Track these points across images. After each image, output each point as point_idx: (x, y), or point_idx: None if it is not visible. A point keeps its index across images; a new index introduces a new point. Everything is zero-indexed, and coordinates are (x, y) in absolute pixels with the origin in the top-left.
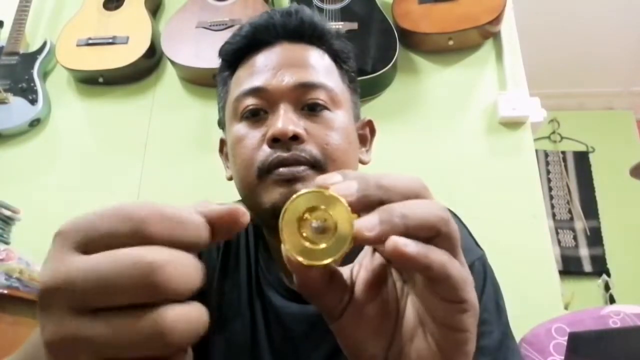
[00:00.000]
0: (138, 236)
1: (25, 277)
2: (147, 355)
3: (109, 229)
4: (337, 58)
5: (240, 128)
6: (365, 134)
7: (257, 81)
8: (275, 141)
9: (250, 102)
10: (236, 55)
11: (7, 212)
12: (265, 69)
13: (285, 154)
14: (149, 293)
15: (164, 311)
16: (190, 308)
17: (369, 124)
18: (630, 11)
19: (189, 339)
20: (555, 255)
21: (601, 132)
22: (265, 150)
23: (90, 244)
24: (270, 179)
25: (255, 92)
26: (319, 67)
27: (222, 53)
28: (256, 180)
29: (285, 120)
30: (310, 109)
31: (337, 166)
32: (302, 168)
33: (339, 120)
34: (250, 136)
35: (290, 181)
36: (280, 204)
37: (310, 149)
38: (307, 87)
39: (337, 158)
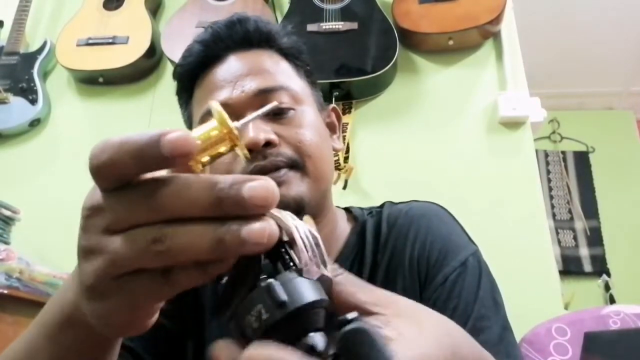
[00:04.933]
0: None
1: (25, 277)
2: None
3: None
4: (289, 55)
5: None
6: (333, 121)
7: (217, 97)
8: (249, 152)
9: None
10: (190, 75)
11: (7, 212)
12: (223, 83)
13: (262, 162)
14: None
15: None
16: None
17: (334, 111)
18: (630, 11)
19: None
20: (555, 255)
21: (601, 132)
22: (241, 162)
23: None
24: None
25: None
26: (274, 69)
27: (176, 76)
28: None
29: (255, 129)
30: (276, 114)
31: (314, 161)
32: (282, 172)
33: (307, 117)
34: None
35: None
36: None
37: (285, 151)
38: (267, 92)
39: (313, 153)
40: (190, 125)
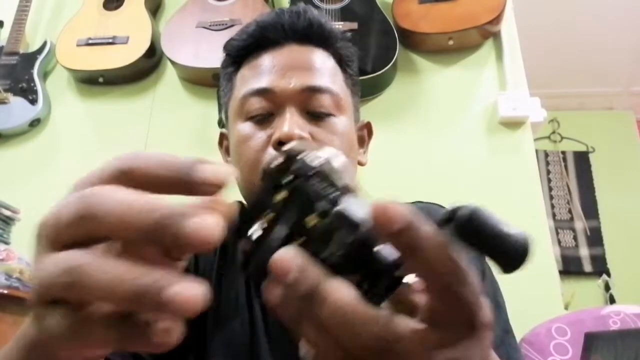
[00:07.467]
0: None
1: (25, 277)
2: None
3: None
4: (342, 61)
5: (246, 127)
6: (363, 135)
7: (264, 82)
8: (281, 144)
9: (257, 103)
10: (242, 52)
11: (7, 212)
12: (273, 69)
13: None
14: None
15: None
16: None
17: (367, 126)
18: (630, 12)
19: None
20: (555, 255)
21: (601, 132)
22: (271, 152)
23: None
24: None
25: (262, 92)
26: (325, 70)
27: (228, 48)
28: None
29: (292, 123)
30: (315, 115)
31: None
32: None
33: (342, 125)
34: (256, 137)
35: None
36: None
37: None
38: (313, 91)
39: None
40: (227, 100)
